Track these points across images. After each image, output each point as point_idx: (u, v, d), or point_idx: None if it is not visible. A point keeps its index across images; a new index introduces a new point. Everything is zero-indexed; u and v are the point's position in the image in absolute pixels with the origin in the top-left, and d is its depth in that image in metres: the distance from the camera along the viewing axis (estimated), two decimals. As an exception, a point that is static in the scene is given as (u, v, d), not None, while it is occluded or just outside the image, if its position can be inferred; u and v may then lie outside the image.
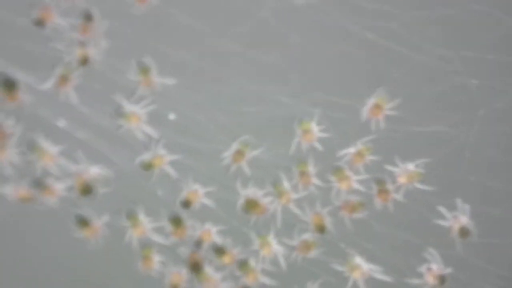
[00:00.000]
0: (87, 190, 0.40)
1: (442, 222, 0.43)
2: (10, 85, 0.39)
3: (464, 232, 0.43)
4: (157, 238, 0.43)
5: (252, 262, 0.44)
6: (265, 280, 0.43)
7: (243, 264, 0.44)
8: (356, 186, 0.44)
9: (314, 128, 0.43)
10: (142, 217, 0.43)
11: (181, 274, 0.43)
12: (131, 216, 0.43)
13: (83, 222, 0.42)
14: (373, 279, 0.44)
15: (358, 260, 0.43)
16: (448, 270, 0.44)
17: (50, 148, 0.40)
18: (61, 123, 0.39)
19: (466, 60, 0.43)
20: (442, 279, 0.43)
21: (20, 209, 0.40)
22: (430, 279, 0.44)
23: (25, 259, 0.56)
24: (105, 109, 0.41)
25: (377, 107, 0.43)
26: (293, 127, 0.43)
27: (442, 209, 0.43)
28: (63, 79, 0.39)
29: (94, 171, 0.41)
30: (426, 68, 0.43)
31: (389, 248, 0.44)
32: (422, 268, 0.44)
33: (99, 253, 0.43)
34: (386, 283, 0.44)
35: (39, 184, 0.40)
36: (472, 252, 0.43)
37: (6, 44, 0.39)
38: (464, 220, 0.43)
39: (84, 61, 0.38)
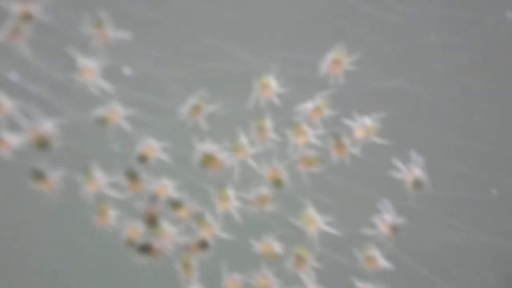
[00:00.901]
0: (42, 144, 0.39)
1: (396, 174, 0.44)
2: None
3: (417, 184, 0.44)
4: (112, 193, 0.42)
5: (208, 216, 0.44)
6: (222, 234, 0.43)
7: (199, 218, 0.44)
8: (313, 140, 0.44)
9: (273, 83, 0.43)
10: (97, 173, 0.42)
11: (138, 228, 0.43)
12: (86, 171, 0.42)
13: (39, 175, 0.41)
14: (330, 230, 0.45)
15: (312, 213, 0.44)
16: (400, 220, 0.45)
17: (3, 101, 0.39)
18: (14, 76, 0.38)
19: (426, 17, 0.43)
20: (394, 228, 0.44)
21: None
22: (383, 229, 0.45)
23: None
24: (59, 63, 0.39)
25: (336, 62, 0.43)
26: (251, 83, 0.43)
27: (397, 162, 0.44)
28: (15, 32, 0.38)
29: (48, 125, 0.40)
30: (387, 24, 0.43)
31: (344, 201, 0.44)
32: (376, 219, 0.45)
33: (54, 208, 0.42)
34: (341, 234, 0.45)
35: None
36: (425, 204, 0.44)
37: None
38: (417, 172, 0.44)
39: (26, 17, 0.37)
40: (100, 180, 0.42)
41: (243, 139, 0.43)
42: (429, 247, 0.44)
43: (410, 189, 0.44)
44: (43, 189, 0.41)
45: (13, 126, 0.40)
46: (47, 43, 0.38)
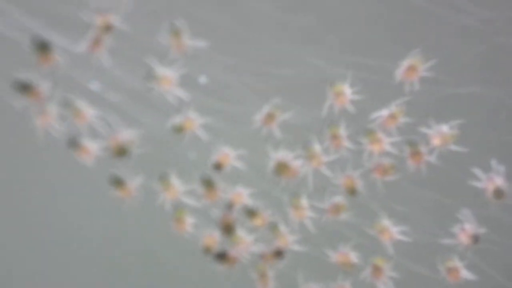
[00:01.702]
0: (121, 151, 0.41)
1: (476, 184, 0.43)
2: (44, 47, 0.39)
3: (498, 193, 0.43)
4: (189, 200, 0.43)
5: (283, 226, 0.44)
6: (296, 244, 0.43)
7: (274, 228, 0.44)
8: (388, 148, 0.43)
9: (347, 90, 0.43)
10: (174, 180, 0.43)
11: (214, 236, 0.44)
12: (164, 179, 0.43)
13: (118, 181, 0.42)
14: (406, 240, 0.44)
15: (386, 222, 0.43)
16: (481, 230, 0.43)
17: (86, 109, 0.40)
18: (94, 86, 0.39)
19: (505, 21, 0.42)
20: (475, 238, 0.43)
21: (56, 170, 0.40)
22: (464, 239, 0.43)
23: (60, 218, 0.57)
24: (137, 72, 0.41)
25: (412, 68, 0.43)
26: (325, 90, 0.43)
27: (476, 171, 0.43)
28: (96, 42, 0.39)
29: (127, 133, 0.41)
30: (464, 29, 0.42)
31: (421, 210, 0.43)
32: (455, 229, 0.44)
33: (133, 215, 0.43)
34: (419, 244, 0.44)
35: (74, 143, 0.41)
36: (506, 212, 0.43)
37: (38, 6, 0.39)
38: (499, 181, 0.43)
39: (107, 28, 0.38)
40: (177, 188, 0.43)
41: (316, 147, 0.43)
42: (509, 257, 0.43)
43: (491, 199, 0.43)
44: (123, 196, 0.42)
45: (93, 134, 0.41)
46: (126, 52, 0.40)
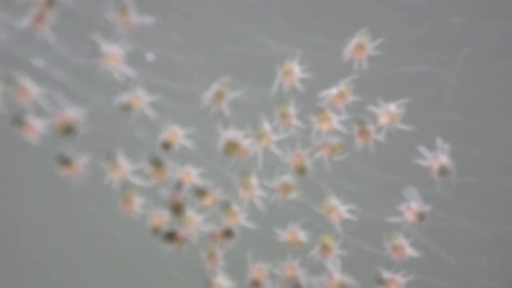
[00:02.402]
0: (67, 130, 0.40)
1: (422, 162, 0.44)
2: None
3: (443, 171, 0.43)
4: (137, 180, 0.42)
5: (234, 205, 0.44)
6: (246, 223, 0.43)
7: (225, 207, 0.44)
8: (337, 127, 0.43)
9: (296, 69, 0.43)
10: (122, 159, 0.42)
11: (163, 216, 0.43)
12: (111, 158, 0.42)
13: (65, 160, 0.42)
14: (354, 218, 0.44)
15: (334, 201, 0.44)
16: (427, 208, 0.44)
17: (29, 86, 0.39)
18: (38, 62, 0.38)
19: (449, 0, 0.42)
20: (421, 216, 0.44)
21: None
22: (410, 217, 0.44)
23: (6, 197, 0.55)
24: (83, 49, 0.40)
25: (360, 47, 0.43)
26: (274, 68, 0.43)
27: (422, 149, 0.44)
28: (39, 18, 0.38)
29: (73, 111, 0.40)
30: (410, 8, 0.43)
31: (369, 188, 0.44)
32: (402, 207, 0.44)
33: (80, 194, 0.43)
34: (366, 222, 0.44)
35: (18, 120, 0.40)
36: (451, 191, 0.43)
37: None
38: (443, 159, 0.43)
39: (50, 3, 0.37)
40: (124, 167, 0.42)
41: (266, 126, 0.43)
42: (455, 235, 0.44)
43: (435, 176, 0.44)
44: (70, 175, 0.41)
45: (38, 112, 0.40)
46: (70, 28, 0.39)
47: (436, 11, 0.42)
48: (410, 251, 0.44)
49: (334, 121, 0.44)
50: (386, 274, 0.45)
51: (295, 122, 0.44)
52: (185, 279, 0.48)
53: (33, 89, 0.39)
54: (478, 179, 0.43)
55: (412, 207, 0.44)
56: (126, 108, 0.42)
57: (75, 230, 0.56)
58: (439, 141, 0.44)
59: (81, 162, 0.42)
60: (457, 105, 0.44)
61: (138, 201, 0.43)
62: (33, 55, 0.39)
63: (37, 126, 0.40)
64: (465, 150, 0.44)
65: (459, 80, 0.43)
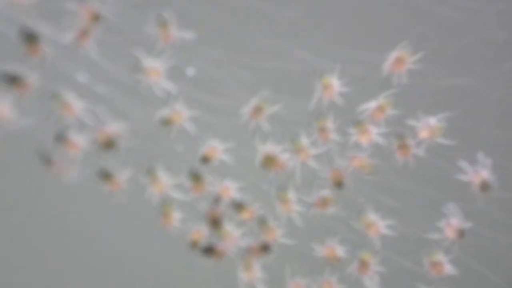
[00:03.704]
0: (109, 144, 0.40)
1: (463, 177, 0.43)
2: (32, 38, 0.38)
3: (485, 186, 0.43)
4: (176, 194, 0.43)
5: (270, 219, 0.44)
6: (284, 238, 0.43)
7: (262, 222, 0.44)
8: (376, 139, 0.43)
9: (335, 83, 0.43)
10: (162, 174, 0.43)
11: (201, 230, 0.44)
12: (151, 172, 0.43)
13: (106, 175, 0.42)
14: (392, 234, 0.44)
15: (372, 216, 0.43)
16: (468, 225, 0.44)
17: (73, 101, 0.40)
18: (82, 77, 0.39)
19: (490, 12, 0.42)
20: (461, 233, 0.43)
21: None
22: (450, 234, 0.44)
23: (46, 212, 0.56)
24: (125, 64, 0.40)
25: (399, 61, 0.43)
26: (313, 83, 0.43)
27: (463, 163, 0.43)
28: (83, 33, 0.39)
29: (114, 126, 0.41)
30: (452, 21, 0.42)
31: (408, 203, 0.44)
32: (442, 223, 0.44)
33: (121, 209, 0.43)
34: (406, 238, 0.44)
35: (61, 137, 0.40)
36: (493, 206, 0.43)
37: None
38: (485, 174, 0.43)
39: (94, 19, 0.38)
40: (164, 181, 0.43)
41: (304, 140, 0.43)
42: (496, 251, 0.43)
43: (477, 192, 0.43)
44: (111, 190, 0.42)
45: (81, 127, 0.41)
46: (113, 44, 0.39)
47: (479, 25, 0.42)
48: (449, 268, 0.44)
49: (373, 134, 0.43)
50: (425, 291, 0.44)
51: (333, 136, 0.44)
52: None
53: (76, 105, 0.40)
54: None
55: (452, 223, 0.44)
56: (167, 123, 0.43)
57: (115, 244, 0.56)
58: (480, 156, 0.43)
59: (122, 176, 0.42)
60: (499, 119, 0.44)
61: (177, 216, 0.44)
62: (77, 70, 0.40)
63: (79, 141, 0.40)
64: (507, 165, 0.43)
65: (501, 94, 0.43)
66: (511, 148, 0.44)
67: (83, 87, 0.40)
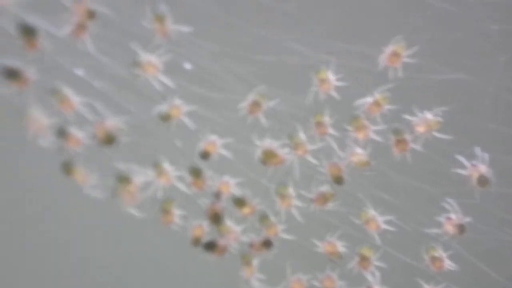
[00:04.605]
0: (110, 139, 0.40)
1: (460, 171, 0.43)
2: (30, 32, 0.39)
3: (482, 180, 0.43)
4: (181, 187, 0.43)
5: (271, 215, 0.44)
6: (285, 234, 0.43)
7: (263, 218, 0.44)
8: (373, 135, 0.43)
9: (331, 77, 0.43)
10: (167, 166, 0.43)
11: (203, 226, 0.44)
12: (157, 165, 0.43)
13: (125, 179, 0.42)
14: (392, 229, 0.44)
15: (372, 212, 0.43)
16: (467, 220, 0.43)
17: (72, 96, 0.40)
18: (80, 72, 0.39)
19: (486, 6, 0.42)
20: (461, 228, 0.43)
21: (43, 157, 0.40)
22: (449, 229, 0.43)
23: (45, 202, 0.57)
24: (122, 58, 0.41)
25: (395, 54, 0.43)
26: (309, 77, 0.43)
27: (460, 158, 0.43)
28: (80, 27, 0.39)
29: (113, 120, 0.41)
30: (446, 14, 0.42)
31: (407, 198, 0.43)
32: (441, 218, 0.44)
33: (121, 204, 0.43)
34: (405, 233, 0.44)
35: (62, 131, 0.41)
36: (491, 201, 0.43)
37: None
38: (483, 168, 0.43)
39: (90, 12, 0.38)
40: (170, 173, 0.43)
41: (302, 135, 0.43)
42: (495, 246, 0.43)
43: (475, 186, 0.43)
44: (129, 193, 0.42)
45: (79, 122, 0.41)
46: (110, 38, 0.40)
47: (473, 18, 0.42)
48: (448, 263, 0.43)
49: (370, 130, 0.43)
50: (426, 287, 0.44)
51: (331, 131, 0.44)
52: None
53: (75, 99, 0.40)
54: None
55: (452, 218, 0.44)
56: (166, 118, 0.43)
57: (117, 239, 0.57)
58: (478, 150, 0.43)
59: (139, 179, 0.42)
60: (496, 112, 0.44)
61: (177, 213, 0.44)
62: (74, 64, 0.40)
63: (80, 136, 0.40)
64: (505, 159, 0.43)
65: (497, 87, 0.42)
66: (508, 142, 0.43)
67: (81, 81, 0.41)
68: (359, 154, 0.43)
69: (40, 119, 0.39)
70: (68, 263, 0.57)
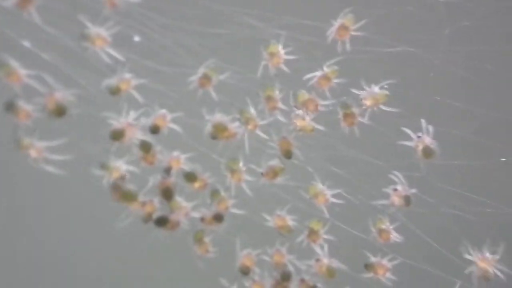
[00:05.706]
0: (60, 111, 0.40)
1: (406, 143, 0.44)
2: None
3: (427, 152, 0.43)
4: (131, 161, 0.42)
5: (222, 192, 0.44)
6: (235, 209, 0.44)
7: (214, 193, 0.44)
8: (321, 109, 0.44)
9: (281, 50, 0.43)
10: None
11: (154, 202, 0.44)
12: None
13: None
14: (340, 202, 0.44)
15: (320, 186, 0.44)
16: (413, 191, 0.44)
17: (19, 69, 0.39)
18: (27, 43, 0.39)
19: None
20: (407, 199, 0.44)
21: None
22: (396, 200, 0.44)
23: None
24: (70, 30, 0.40)
25: (343, 28, 0.43)
26: (260, 50, 0.43)
27: (406, 130, 0.44)
28: None
29: (62, 93, 0.40)
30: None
31: (355, 171, 0.44)
32: (388, 190, 0.45)
33: (70, 184, 0.43)
34: (353, 206, 0.45)
35: (11, 105, 0.40)
36: (436, 173, 0.44)
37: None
38: (427, 140, 0.43)
39: None
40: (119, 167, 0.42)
41: (252, 110, 0.44)
42: (439, 218, 0.44)
43: (420, 158, 0.44)
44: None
45: (26, 94, 0.41)
46: (57, 9, 0.39)
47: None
48: (395, 235, 0.44)
49: (319, 104, 0.44)
50: (374, 259, 0.45)
51: (281, 105, 0.44)
52: (179, 265, 0.48)
53: (23, 72, 0.40)
54: (462, 161, 0.44)
55: (398, 190, 0.45)
56: (115, 91, 0.43)
57: (66, 218, 0.56)
58: (423, 123, 0.44)
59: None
60: (441, 85, 0.45)
61: (128, 188, 0.44)
62: (21, 36, 0.39)
63: (29, 109, 0.40)
64: (450, 131, 0.44)
65: (443, 61, 0.43)
66: (453, 115, 0.45)
67: (28, 53, 0.40)
68: (303, 119, 0.43)
69: None
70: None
